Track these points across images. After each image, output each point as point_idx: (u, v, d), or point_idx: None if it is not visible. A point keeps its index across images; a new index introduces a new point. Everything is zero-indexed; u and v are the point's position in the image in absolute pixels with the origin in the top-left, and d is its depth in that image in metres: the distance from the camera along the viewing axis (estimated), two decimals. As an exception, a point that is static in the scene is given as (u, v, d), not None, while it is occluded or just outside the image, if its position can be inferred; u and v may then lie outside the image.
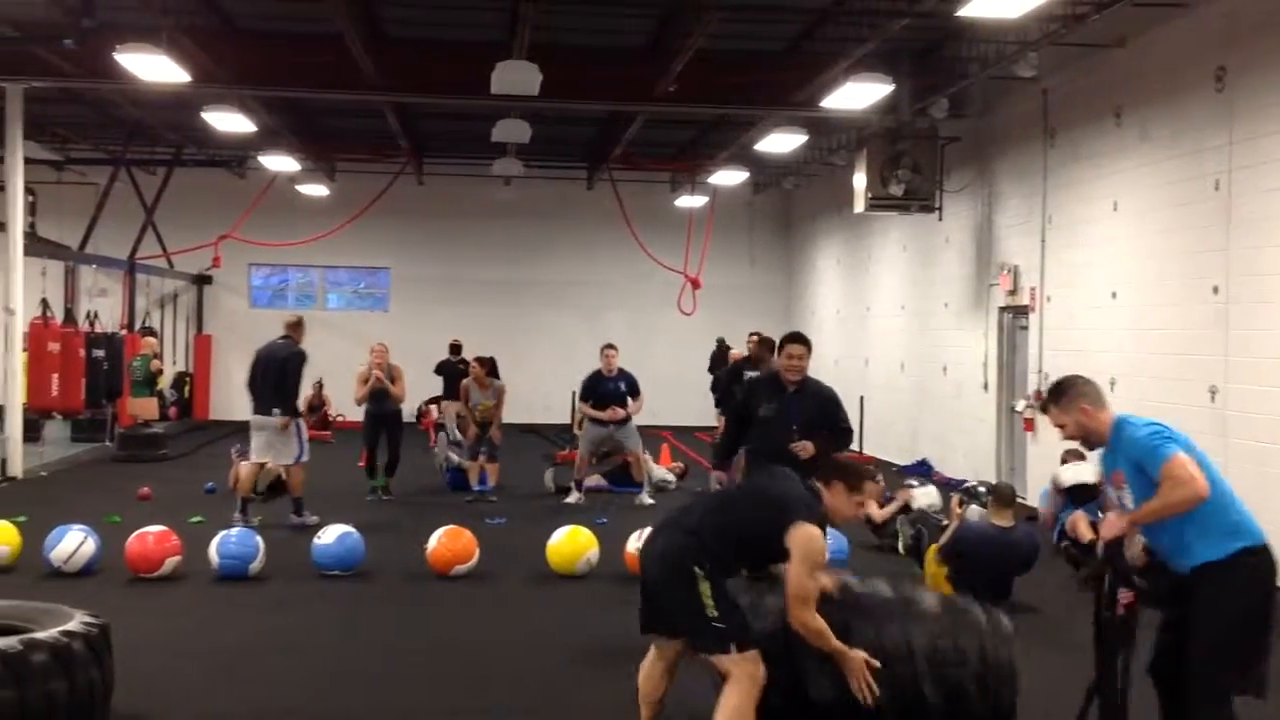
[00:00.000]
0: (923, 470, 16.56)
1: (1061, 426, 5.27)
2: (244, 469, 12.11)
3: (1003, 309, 15.54)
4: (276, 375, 11.93)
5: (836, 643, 5.13)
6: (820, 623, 5.11)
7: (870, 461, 16.14)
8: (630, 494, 14.21)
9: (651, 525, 9.92)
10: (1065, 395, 5.26)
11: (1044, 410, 5.48)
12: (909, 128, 15.37)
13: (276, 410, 11.85)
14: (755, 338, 13.66)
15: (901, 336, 19.20)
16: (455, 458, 14.94)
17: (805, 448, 7.65)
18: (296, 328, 12.37)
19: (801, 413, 7.87)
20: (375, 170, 22.65)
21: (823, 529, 5.27)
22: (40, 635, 5.45)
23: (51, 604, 6.11)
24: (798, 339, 8.20)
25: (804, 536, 5.13)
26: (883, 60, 13.58)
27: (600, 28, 14.37)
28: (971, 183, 16.41)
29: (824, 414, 7.99)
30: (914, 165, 15.56)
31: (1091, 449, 5.39)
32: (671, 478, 15.46)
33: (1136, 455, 4.97)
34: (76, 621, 5.67)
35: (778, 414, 7.87)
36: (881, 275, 20.32)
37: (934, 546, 9.13)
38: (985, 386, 15.85)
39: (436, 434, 16.46)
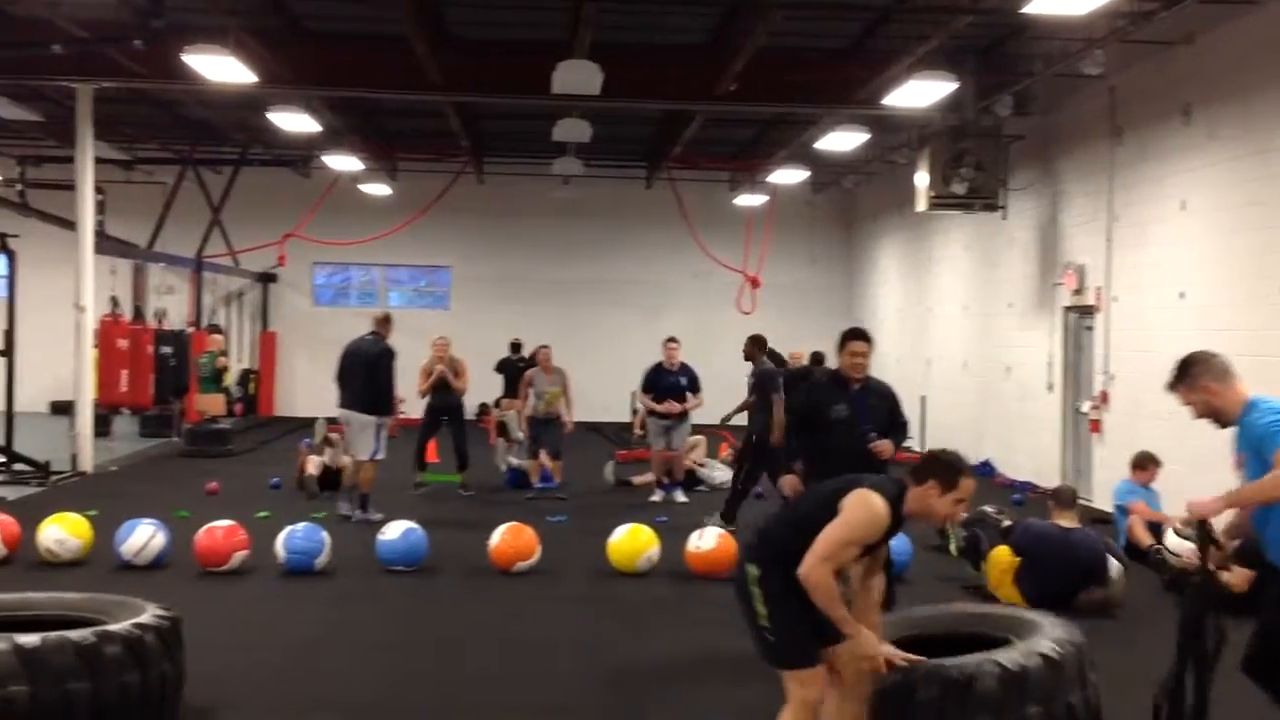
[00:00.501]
0: (985, 472, 16.41)
1: (1190, 405, 5.17)
2: (349, 470, 12.26)
3: (1068, 309, 15.37)
4: (366, 373, 12.08)
5: (844, 612, 4.75)
6: (833, 583, 4.72)
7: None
8: (694, 492, 14.23)
9: (713, 524, 10.08)
10: (1189, 373, 5.16)
11: (1171, 389, 5.27)
12: (972, 126, 15.25)
13: (366, 409, 12.01)
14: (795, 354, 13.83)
15: (964, 336, 19.05)
16: (515, 460, 15.02)
17: (886, 447, 7.47)
18: (384, 324, 12.51)
19: (872, 411, 7.64)
20: (436, 170, 22.83)
21: (897, 527, 4.88)
22: (113, 628, 5.54)
23: (124, 597, 6.22)
24: (860, 335, 7.83)
25: (859, 498, 4.79)
26: (946, 57, 13.48)
27: (661, 26, 14.38)
28: (1036, 181, 16.25)
29: (889, 410, 7.80)
30: (977, 164, 15.43)
31: (1222, 427, 5.20)
32: (728, 473, 15.41)
33: (1255, 438, 4.90)
34: (149, 614, 5.76)
35: (850, 415, 7.55)
36: (944, 275, 20.17)
37: (997, 549, 9.05)
38: (1050, 387, 15.69)
39: (498, 434, 16.57)
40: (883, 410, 7.71)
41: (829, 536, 4.72)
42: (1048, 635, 5.16)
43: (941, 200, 15.69)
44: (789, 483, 7.85)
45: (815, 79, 15.12)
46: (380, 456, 12.16)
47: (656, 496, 13.85)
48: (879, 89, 14.06)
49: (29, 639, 5.29)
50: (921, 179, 15.87)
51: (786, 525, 5.02)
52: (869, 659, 4.80)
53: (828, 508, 4.82)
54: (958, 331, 19.33)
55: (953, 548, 10.06)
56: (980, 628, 5.51)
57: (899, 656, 4.83)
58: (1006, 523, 9.63)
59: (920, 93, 13.32)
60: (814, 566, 4.68)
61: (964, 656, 4.99)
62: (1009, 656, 4.96)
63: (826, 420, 7.58)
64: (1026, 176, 16.39)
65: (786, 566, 4.79)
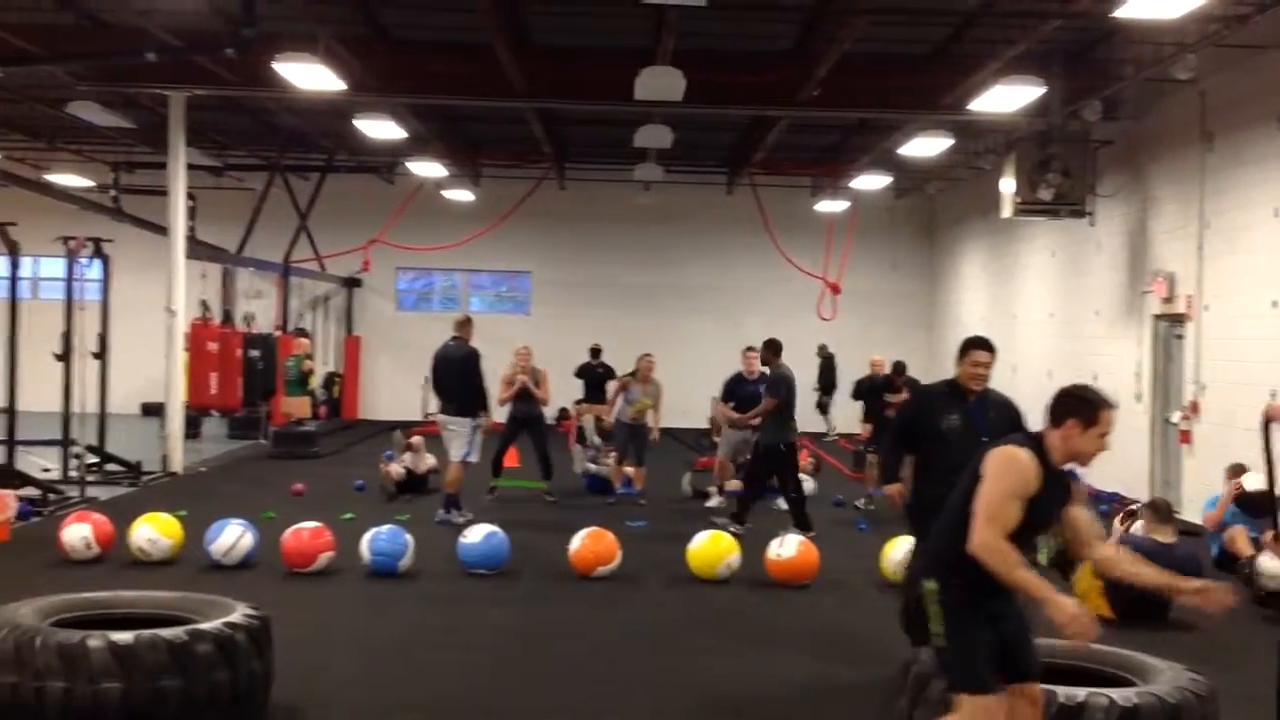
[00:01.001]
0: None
1: None
2: (450, 469, 12.40)
3: (1157, 317, 15.10)
4: (458, 378, 12.26)
5: (1029, 575, 4.40)
6: (1005, 545, 4.40)
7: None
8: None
9: (792, 532, 10.04)
10: None
11: None
12: (1060, 131, 15.04)
13: (460, 412, 12.20)
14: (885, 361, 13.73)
15: (1050, 344, 18.79)
16: (593, 467, 15.04)
17: None
18: (464, 326, 12.68)
19: (989, 423, 7.05)
20: (518, 175, 23.00)
21: (1058, 481, 4.56)
22: (205, 626, 5.65)
23: (215, 596, 6.33)
24: (983, 344, 7.30)
25: (1001, 454, 4.53)
26: (1033, 62, 13.32)
27: (745, 32, 14.38)
28: (1124, 187, 15.98)
29: (1010, 424, 7.02)
30: (1065, 169, 15.20)
31: None
32: (811, 482, 15.34)
33: None
34: (239, 614, 5.87)
35: (964, 426, 7.05)
36: (1029, 281, 19.91)
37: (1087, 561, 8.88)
38: (1138, 397, 15.41)
39: (576, 439, 16.65)
40: (1002, 423, 7.06)
41: (982, 500, 4.45)
42: (1170, 681, 5.08)
43: (1028, 206, 15.49)
44: (893, 491, 7.57)
45: (900, 84, 15.01)
46: (473, 459, 12.33)
47: (713, 502, 13.81)
48: (964, 94, 13.93)
49: (123, 637, 5.42)
50: (1007, 185, 15.67)
51: (944, 532, 4.72)
52: (1072, 621, 4.36)
53: (969, 493, 4.56)
54: (1043, 339, 19.06)
55: (1043, 557, 9.87)
56: (1102, 665, 5.42)
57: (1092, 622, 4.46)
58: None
59: (1006, 98, 13.18)
60: (979, 533, 4.41)
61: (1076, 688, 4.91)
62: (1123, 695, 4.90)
63: (936, 430, 7.13)
64: (1115, 182, 16.13)
65: (960, 576, 4.56)
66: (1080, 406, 4.58)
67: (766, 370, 13.88)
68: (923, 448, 7.24)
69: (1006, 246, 20.82)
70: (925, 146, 16.98)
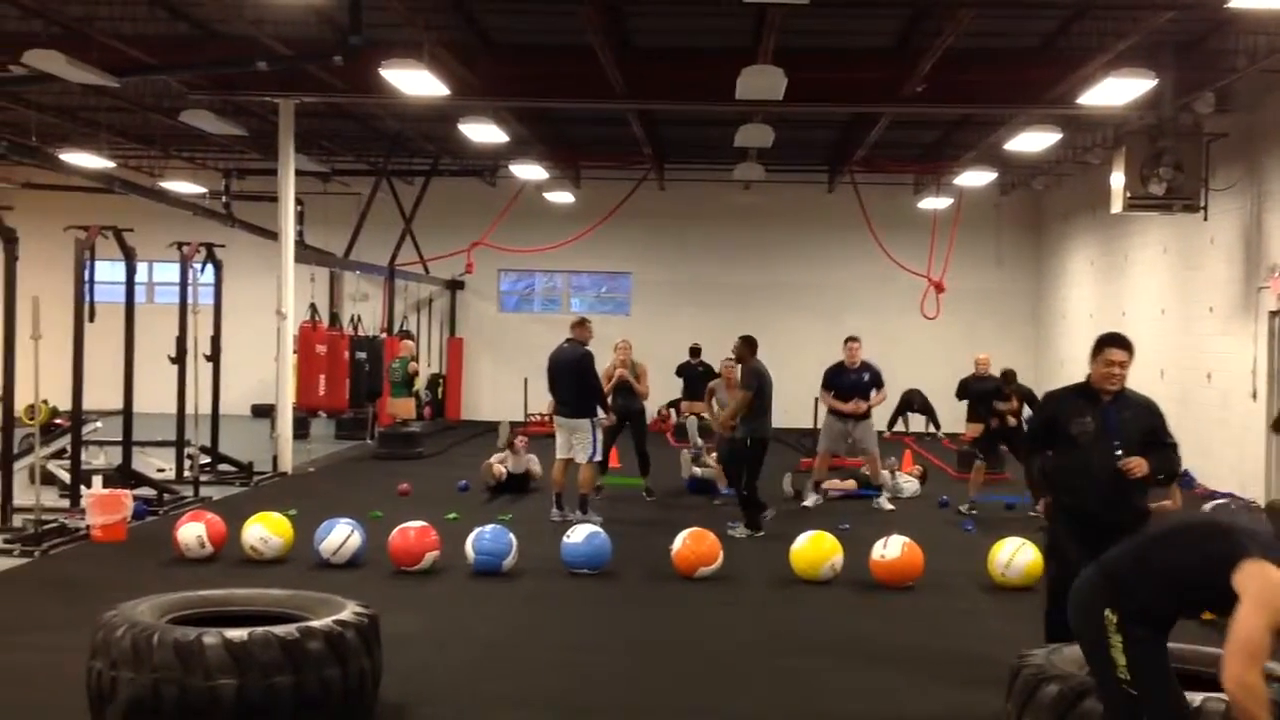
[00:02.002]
0: (1185, 483, 15.76)
1: None
2: (555, 473, 12.53)
3: (1274, 313, 14.66)
4: (574, 379, 12.31)
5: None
6: (1265, 689, 4.01)
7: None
8: (867, 498, 14.06)
9: (897, 532, 9.95)
10: None
11: None
12: (1171, 124, 14.68)
13: (577, 414, 12.29)
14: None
15: (1161, 342, 18.34)
16: (699, 471, 14.98)
17: (1138, 465, 6.43)
18: (580, 327, 12.73)
19: (1123, 427, 6.60)
20: (619, 177, 23.07)
21: None
22: (316, 624, 5.73)
23: (326, 594, 6.45)
24: (1119, 342, 6.74)
25: (1262, 576, 4.07)
26: (1144, 54, 13.04)
27: (847, 29, 14.25)
28: (1239, 181, 15.55)
29: (1150, 428, 6.71)
30: (1176, 163, 14.84)
31: None
32: (915, 484, 15.22)
33: None
34: (349, 611, 5.95)
35: (1096, 430, 6.58)
36: (1139, 277, 19.47)
37: None
38: (1254, 395, 14.99)
39: (676, 438, 16.63)
40: (1141, 426, 6.68)
41: (1245, 630, 4.01)
42: None
43: (1138, 201, 15.15)
44: (1048, 506, 7.01)
45: (1005, 79, 14.78)
46: (598, 458, 12.44)
47: (809, 501, 13.71)
48: (1072, 88, 13.68)
49: (237, 634, 5.52)
50: (1117, 179, 15.34)
51: (1143, 574, 4.42)
52: None
53: (1204, 569, 4.23)
54: (1154, 336, 18.62)
55: None
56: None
57: None
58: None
59: (1116, 91, 12.90)
60: (1241, 670, 3.97)
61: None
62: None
63: (1067, 434, 6.68)
64: (1229, 176, 15.70)
65: (1145, 603, 4.36)
66: None
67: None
68: (1057, 455, 6.81)
69: (1116, 242, 20.38)
70: (1032, 142, 16.70)
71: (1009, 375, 14.37)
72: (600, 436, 12.46)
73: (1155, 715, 4.32)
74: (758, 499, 12.06)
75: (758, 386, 12.03)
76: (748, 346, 12.50)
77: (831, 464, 14.54)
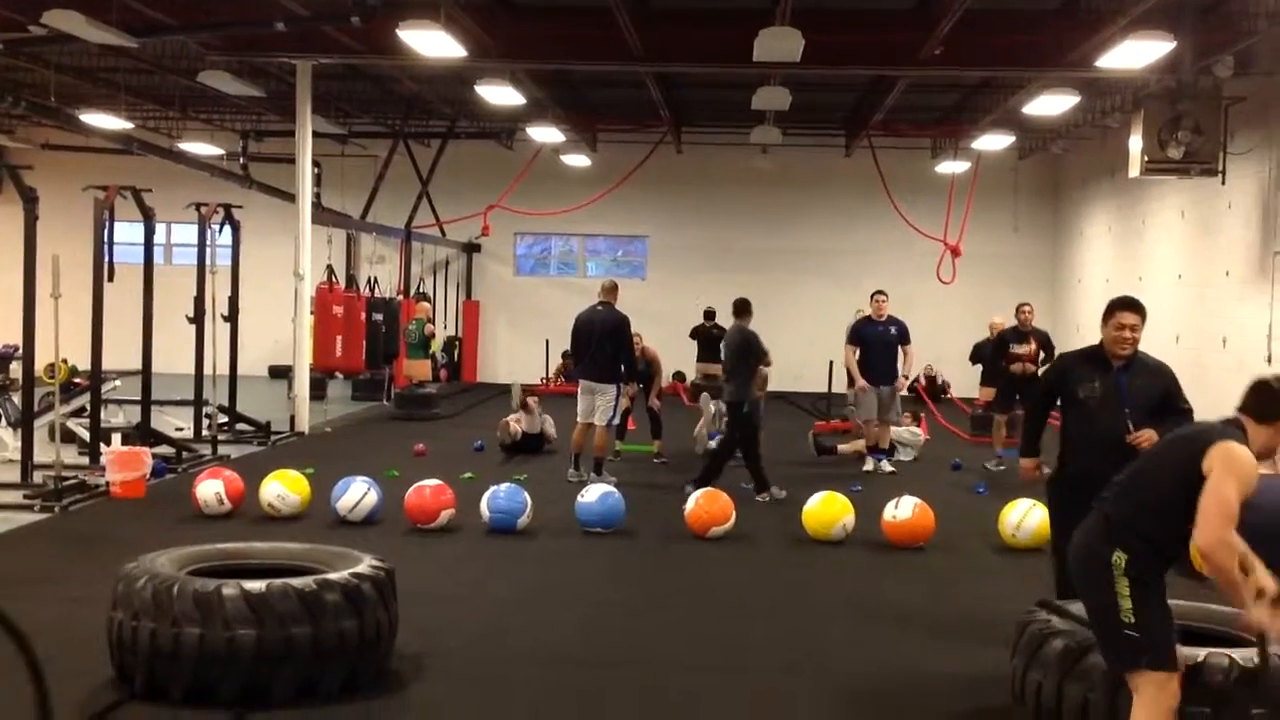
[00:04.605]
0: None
1: None
2: (575, 436, 12.57)
3: (1291, 278, 14.63)
4: (607, 343, 12.27)
5: (1246, 587, 4.26)
6: (1242, 545, 4.27)
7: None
8: (878, 459, 14.10)
9: (908, 494, 10.00)
10: None
11: None
12: (1190, 87, 14.59)
13: (606, 378, 12.30)
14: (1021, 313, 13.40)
15: (1177, 306, 18.31)
16: (713, 445, 14.85)
17: (1147, 438, 6.17)
18: (612, 292, 12.71)
19: (1134, 393, 6.48)
20: (635, 140, 23.06)
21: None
22: (333, 576, 5.83)
23: (342, 548, 6.54)
24: (1130, 305, 6.62)
25: (1226, 450, 4.35)
26: (1163, 16, 12.93)
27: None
28: (1258, 145, 15.47)
29: (1162, 394, 6.58)
30: (1195, 126, 14.76)
31: None
32: (920, 438, 15.20)
33: None
34: (365, 565, 6.05)
35: (1104, 395, 6.47)
36: (1157, 242, 19.41)
37: None
38: (1269, 359, 14.97)
39: (691, 399, 16.64)
40: (1153, 392, 6.54)
41: (1217, 496, 4.27)
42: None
43: (1156, 165, 15.07)
44: (1028, 465, 7.02)
45: (1024, 41, 14.70)
46: (616, 422, 12.51)
47: (869, 465, 13.74)
48: (1091, 50, 13.60)
49: (255, 585, 5.61)
50: (1135, 143, 15.28)
51: (1142, 510, 4.54)
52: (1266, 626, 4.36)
53: (1185, 480, 4.40)
54: (1170, 301, 18.58)
55: None
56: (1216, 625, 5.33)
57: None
58: None
59: (1135, 54, 12.83)
60: (1214, 529, 4.24)
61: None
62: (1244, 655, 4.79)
63: (1076, 399, 6.56)
64: (1248, 140, 15.63)
65: (1154, 553, 4.48)
66: None
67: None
68: (1063, 418, 6.73)
69: (1134, 206, 20.31)
70: (1050, 105, 16.62)
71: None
72: (621, 403, 12.52)
73: (1154, 656, 4.41)
74: (723, 461, 12.03)
75: (738, 348, 12.07)
76: (738, 310, 12.42)
77: (833, 427, 14.54)
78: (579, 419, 12.46)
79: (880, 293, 14.06)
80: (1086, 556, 4.60)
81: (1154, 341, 19.87)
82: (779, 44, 12.91)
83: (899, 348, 13.79)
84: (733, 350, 12.20)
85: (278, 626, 5.53)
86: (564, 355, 22.24)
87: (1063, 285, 24.45)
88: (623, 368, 12.47)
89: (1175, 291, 18.43)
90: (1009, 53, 14.96)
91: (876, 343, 13.73)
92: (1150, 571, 4.47)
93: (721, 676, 6.40)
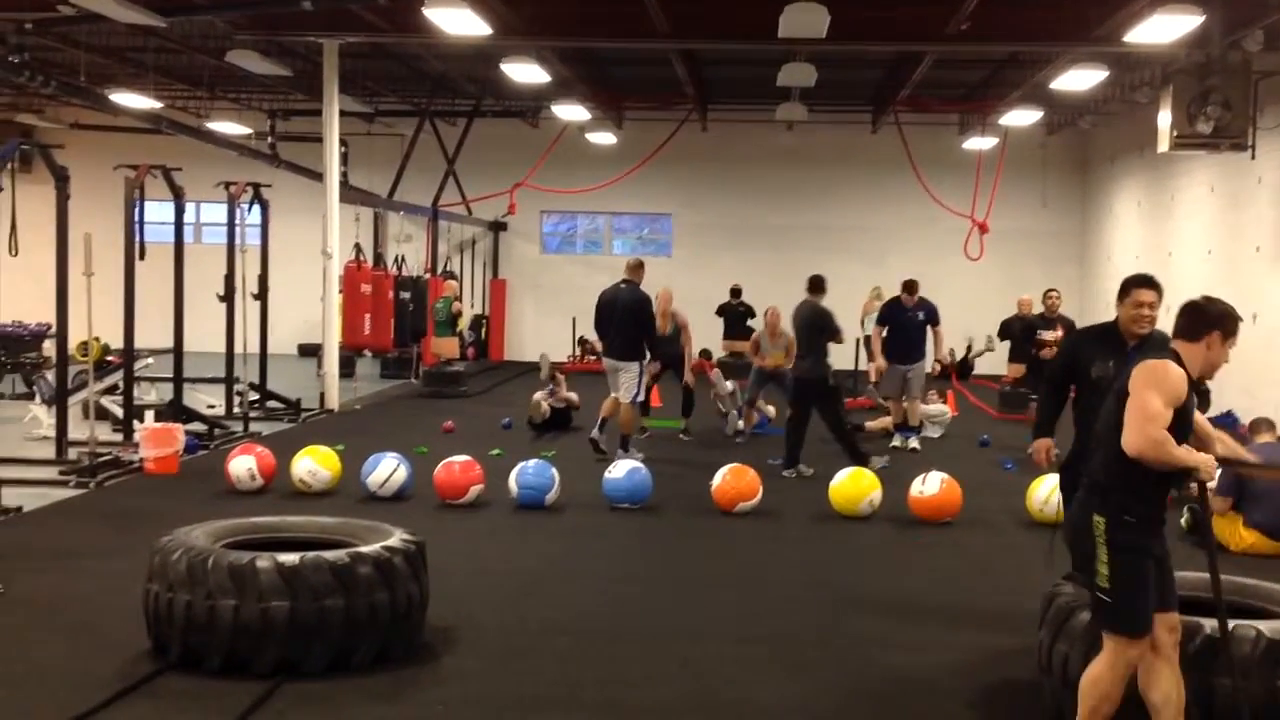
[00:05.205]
0: (1228, 422, 15.70)
1: None
2: (606, 404, 12.60)
3: (1322, 254, 14.53)
4: (631, 321, 12.31)
5: (1181, 452, 4.44)
6: (1166, 435, 4.42)
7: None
8: (906, 436, 14.11)
9: (935, 469, 10.02)
10: None
11: None
12: (1220, 62, 14.45)
13: (630, 356, 12.31)
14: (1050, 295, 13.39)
15: (1207, 282, 18.17)
16: (740, 424, 14.74)
17: None
18: (638, 270, 12.73)
19: None
20: (661, 118, 23.05)
21: (1193, 390, 4.59)
22: (365, 549, 5.92)
23: (374, 522, 6.62)
24: (1147, 283, 6.45)
25: (1143, 367, 4.55)
26: (1192, -10, 12.85)
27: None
28: (1289, 119, 15.35)
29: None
30: (1225, 101, 14.62)
31: None
32: (946, 414, 15.21)
33: None
34: (397, 538, 6.13)
35: (1117, 375, 5.83)
36: (1186, 218, 19.29)
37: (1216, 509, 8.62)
38: (1299, 336, 14.90)
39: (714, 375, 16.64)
40: None
41: (1137, 405, 4.46)
42: None
43: (1185, 140, 14.94)
44: (1040, 447, 6.70)
45: (1052, 15, 14.61)
46: (641, 399, 12.51)
47: (897, 441, 13.75)
48: (1119, 25, 13.52)
49: (289, 558, 5.70)
50: (1164, 118, 15.14)
51: (1108, 464, 4.66)
52: (1207, 466, 4.53)
53: (1120, 413, 4.55)
54: (1200, 277, 18.46)
55: (1184, 523, 9.51)
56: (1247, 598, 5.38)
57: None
58: None
59: (1163, 28, 12.75)
60: (1138, 431, 4.42)
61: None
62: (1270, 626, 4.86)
63: (1088, 378, 6.40)
64: (1278, 114, 15.50)
65: (1131, 511, 4.58)
66: (1222, 320, 4.69)
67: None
68: (1076, 397, 6.59)
69: (1163, 182, 20.19)
70: (1078, 80, 16.54)
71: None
72: (644, 380, 12.55)
73: (1120, 622, 4.58)
74: (801, 439, 12.04)
75: (805, 326, 12.14)
76: (811, 286, 12.49)
77: (859, 404, 14.58)
78: (611, 393, 12.53)
79: (912, 281, 14.06)
80: (1078, 527, 4.75)
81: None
82: (805, 20, 12.89)
83: (927, 329, 13.84)
84: (804, 327, 12.23)
85: (311, 599, 5.61)
86: (580, 341, 22.40)
87: (1092, 261, 24.33)
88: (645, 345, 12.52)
89: (1205, 267, 18.32)
90: (1036, 27, 14.87)
91: (903, 325, 13.75)
92: (1130, 537, 4.57)
93: (748, 648, 6.45)
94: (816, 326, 12.07)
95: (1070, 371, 6.67)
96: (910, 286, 13.88)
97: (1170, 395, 4.48)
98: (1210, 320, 4.68)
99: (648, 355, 12.58)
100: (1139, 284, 6.47)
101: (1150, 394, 4.47)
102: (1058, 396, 6.82)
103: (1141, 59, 16.55)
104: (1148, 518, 4.62)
